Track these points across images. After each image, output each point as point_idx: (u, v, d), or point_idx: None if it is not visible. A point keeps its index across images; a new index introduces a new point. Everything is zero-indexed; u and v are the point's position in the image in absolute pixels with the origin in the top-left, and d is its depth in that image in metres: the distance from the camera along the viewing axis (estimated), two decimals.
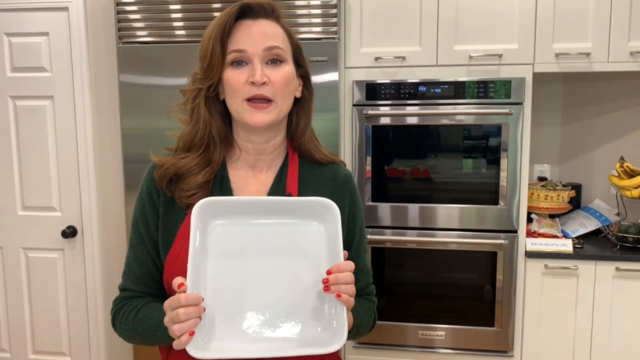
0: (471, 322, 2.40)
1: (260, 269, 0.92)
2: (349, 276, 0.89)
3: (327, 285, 0.88)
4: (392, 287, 2.46)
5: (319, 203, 0.94)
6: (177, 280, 0.87)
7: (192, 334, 0.84)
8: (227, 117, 1.06)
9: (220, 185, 1.05)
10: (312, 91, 1.11)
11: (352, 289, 0.89)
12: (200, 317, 0.86)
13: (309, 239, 0.94)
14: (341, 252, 0.91)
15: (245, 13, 1.01)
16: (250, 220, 0.95)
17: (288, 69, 1.02)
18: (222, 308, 0.90)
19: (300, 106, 1.10)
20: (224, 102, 1.04)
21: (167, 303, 0.87)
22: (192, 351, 0.84)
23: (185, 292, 0.85)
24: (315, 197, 0.95)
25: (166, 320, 0.87)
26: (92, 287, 2.65)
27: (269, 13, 1.03)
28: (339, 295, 0.88)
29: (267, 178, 1.08)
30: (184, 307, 0.84)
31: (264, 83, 0.98)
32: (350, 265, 0.90)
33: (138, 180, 1.09)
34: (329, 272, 0.89)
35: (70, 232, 2.59)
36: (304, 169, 1.10)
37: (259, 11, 1.01)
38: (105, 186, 2.61)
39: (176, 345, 0.85)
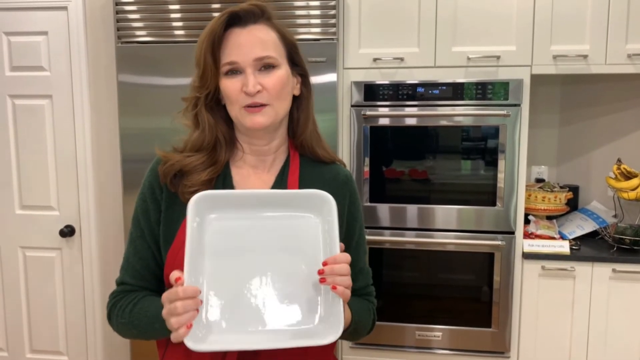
0: (468, 322, 2.40)
1: (257, 262, 0.93)
2: (345, 268, 0.90)
3: (322, 277, 0.89)
4: (390, 288, 2.46)
5: (315, 195, 0.95)
6: (175, 274, 0.88)
7: (189, 326, 0.85)
8: (230, 120, 1.08)
9: (222, 183, 1.06)
10: (310, 88, 1.11)
11: (347, 280, 0.90)
12: (197, 310, 0.87)
13: (305, 231, 0.95)
14: (337, 245, 0.91)
15: (234, 21, 1.01)
16: (248, 214, 0.96)
17: (281, 72, 1.02)
18: (219, 301, 0.91)
19: (300, 103, 1.10)
20: (225, 105, 1.06)
21: (165, 296, 0.88)
22: (189, 343, 0.85)
23: (182, 285, 0.86)
24: (311, 190, 0.96)
25: (164, 312, 0.88)
26: (89, 287, 2.65)
27: (258, 16, 1.02)
28: (334, 287, 0.88)
29: (269, 177, 1.09)
30: (182, 300, 0.85)
31: (258, 92, 0.99)
32: (346, 257, 0.91)
33: (136, 179, 1.10)
34: (324, 264, 0.89)
35: (68, 231, 2.59)
36: (305, 169, 1.11)
37: (248, 18, 1.01)
38: (103, 186, 2.61)
39: (174, 338, 0.86)
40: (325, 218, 0.94)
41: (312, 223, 0.96)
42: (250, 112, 1.01)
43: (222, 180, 1.06)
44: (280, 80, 1.01)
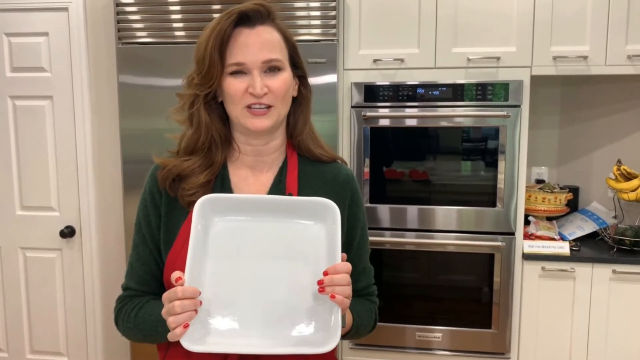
0: (468, 323, 2.40)
1: (259, 267, 0.93)
2: (345, 278, 0.89)
3: (321, 287, 0.89)
4: (390, 289, 2.46)
5: (319, 203, 0.95)
6: (175, 274, 0.88)
7: (186, 326, 0.85)
8: (226, 118, 1.07)
9: (221, 185, 1.06)
10: (310, 89, 1.11)
11: (347, 290, 0.90)
12: (196, 311, 0.87)
13: (308, 239, 0.95)
14: (339, 254, 0.91)
15: (242, 20, 1.01)
16: (251, 218, 0.96)
17: (286, 75, 1.03)
18: (219, 303, 0.91)
19: (298, 104, 1.10)
20: (221, 103, 1.06)
21: (165, 295, 0.89)
22: (185, 343, 0.85)
23: (182, 285, 0.86)
24: (316, 198, 0.96)
25: (163, 311, 0.89)
26: (90, 287, 2.65)
27: (265, 17, 1.03)
28: (333, 296, 0.88)
29: (267, 178, 1.09)
30: (180, 300, 0.85)
31: (265, 94, 1.00)
32: (347, 266, 0.91)
33: (137, 180, 1.11)
34: (325, 273, 0.89)
35: (68, 232, 2.59)
36: (305, 168, 1.11)
37: (256, 18, 1.01)
38: (103, 186, 2.61)
39: (170, 337, 0.86)
40: (329, 226, 0.94)
41: (315, 230, 0.95)
42: (254, 114, 1.00)
43: (220, 181, 1.07)
44: (285, 83, 1.02)
